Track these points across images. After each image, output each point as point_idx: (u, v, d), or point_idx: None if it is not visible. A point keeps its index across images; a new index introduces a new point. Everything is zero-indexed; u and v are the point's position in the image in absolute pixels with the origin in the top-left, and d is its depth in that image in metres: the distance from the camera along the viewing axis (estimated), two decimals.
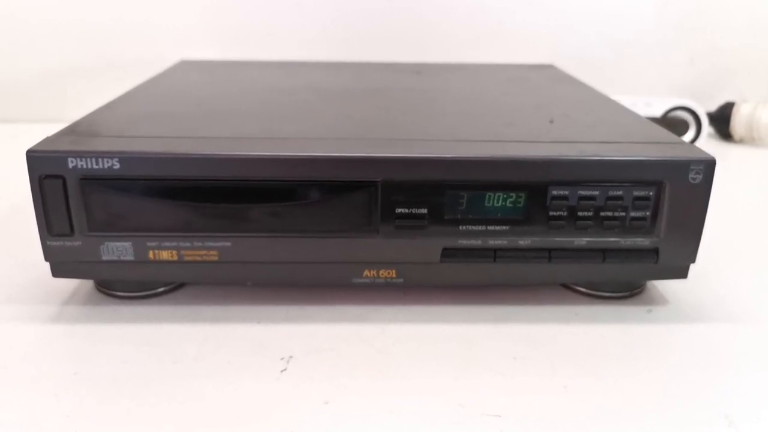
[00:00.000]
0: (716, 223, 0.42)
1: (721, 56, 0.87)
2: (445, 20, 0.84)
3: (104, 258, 0.39)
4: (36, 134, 0.39)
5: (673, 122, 0.77)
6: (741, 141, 0.82)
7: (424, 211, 0.39)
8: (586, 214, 0.39)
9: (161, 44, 0.82)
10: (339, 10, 0.83)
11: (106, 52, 0.83)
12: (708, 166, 0.38)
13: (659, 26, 0.86)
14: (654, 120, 0.54)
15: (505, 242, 0.40)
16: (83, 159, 0.36)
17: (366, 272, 0.40)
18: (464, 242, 0.40)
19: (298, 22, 0.83)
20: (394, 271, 0.41)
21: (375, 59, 0.77)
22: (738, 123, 0.80)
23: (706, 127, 0.79)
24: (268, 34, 0.83)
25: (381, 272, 0.40)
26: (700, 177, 0.38)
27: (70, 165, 0.36)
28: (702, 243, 0.40)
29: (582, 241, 0.40)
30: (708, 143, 0.80)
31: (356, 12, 0.83)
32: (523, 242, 0.40)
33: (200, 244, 0.39)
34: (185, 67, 0.67)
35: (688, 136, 0.78)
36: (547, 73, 0.68)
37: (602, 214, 0.39)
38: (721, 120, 0.82)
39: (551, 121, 0.46)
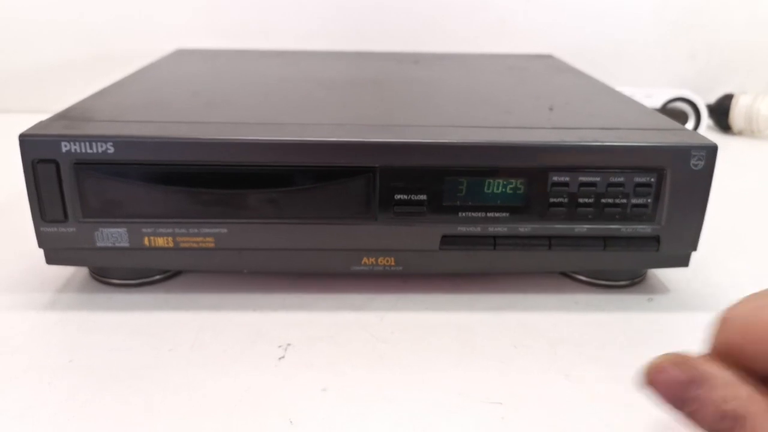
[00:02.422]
0: (716, 213, 0.42)
1: (721, 50, 0.87)
2: (444, 14, 0.83)
3: (99, 245, 0.38)
4: (31, 124, 0.38)
5: (672, 113, 0.77)
6: (740, 133, 0.81)
7: (423, 197, 0.38)
8: (586, 200, 0.39)
9: (159, 37, 0.81)
10: (338, 5, 0.82)
11: (103, 44, 0.82)
12: (710, 152, 0.38)
13: (659, 21, 0.85)
14: None
15: (505, 229, 0.39)
16: (77, 143, 0.36)
17: (364, 260, 0.40)
18: (463, 229, 0.39)
19: (296, 15, 0.82)
20: (392, 259, 0.40)
21: (374, 49, 0.76)
22: (737, 115, 0.80)
23: (706, 119, 0.78)
24: (266, 27, 0.83)
25: (379, 260, 0.40)
26: (701, 163, 0.38)
27: (64, 149, 0.36)
28: (702, 233, 0.39)
29: (582, 228, 0.39)
30: (707, 135, 0.79)
31: (355, 7, 0.82)
32: (523, 229, 0.39)
33: (196, 230, 0.38)
34: (180, 55, 0.66)
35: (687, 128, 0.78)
36: (546, 62, 0.68)
37: (603, 201, 0.39)
38: (720, 112, 0.81)
39: (551, 109, 0.45)
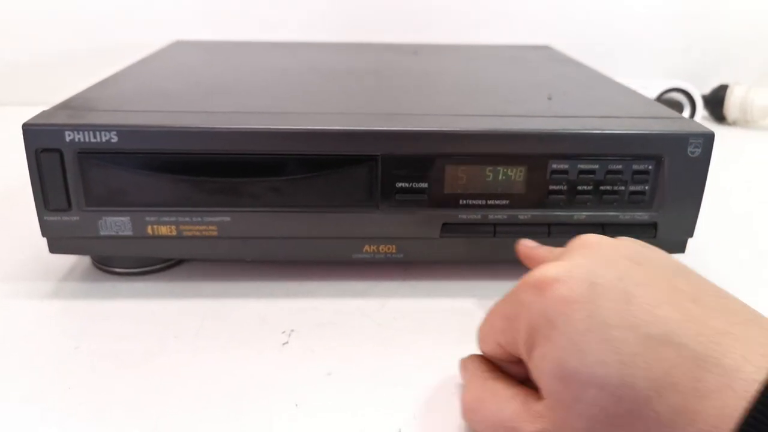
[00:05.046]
0: (711, 201, 0.42)
1: (716, 41, 0.87)
2: (441, 6, 0.83)
3: (102, 233, 0.38)
4: (32, 115, 0.38)
5: (667, 104, 0.77)
6: (734, 123, 0.82)
7: (425, 185, 0.39)
8: (585, 188, 0.39)
9: (157, 28, 0.81)
10: None
11: (102, 35, 0.82)
12: (707, 139, 0.38)
13: (655, 12, 0.86)
14: None
15: (505, 217, 0.40)
16: (81, 132, 0.36)
17: (366, 247, 0.40)
18: (464, 217, 0.40)
19: (293, 7, 0.82)
20: (393, 247, 0.40)
21: (372, 41, 0.76)
22: (731, 105, 0.80)
23: (701, 109, 0.79)
24: (263, 19, 0.82)
25: (381, 248, 0.40)
26: (699, 151, 0.38)
27: (68, 138, 0.36)
28: (698, 220, 0.40)
29: (581, 215, 0.40)
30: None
31: None
32: (523, 217, 0.40)
33: (199, 219, 0.39)
34: (180, 46, 0.66)
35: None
36: (544, 53, 0.68)
37: (602, 188, 0.39)
38: (715, 102, 0.82)
39: (549, 98, 0.46)
